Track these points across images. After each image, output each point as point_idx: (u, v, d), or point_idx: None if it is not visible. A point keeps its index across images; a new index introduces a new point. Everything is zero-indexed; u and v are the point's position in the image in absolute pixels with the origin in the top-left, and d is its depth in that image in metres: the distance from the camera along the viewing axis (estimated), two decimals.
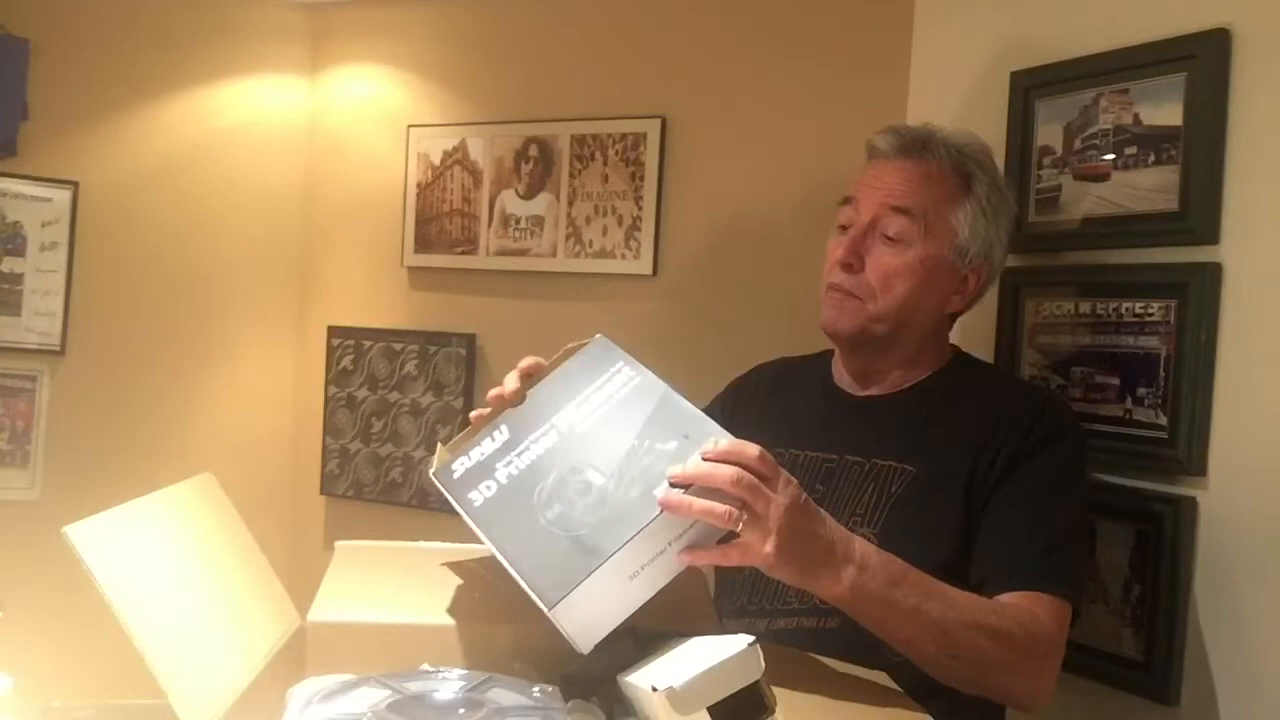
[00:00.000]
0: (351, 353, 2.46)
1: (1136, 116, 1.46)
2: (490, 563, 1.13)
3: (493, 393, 1.09)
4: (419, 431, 2.37)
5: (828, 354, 1.48)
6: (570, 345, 1.10)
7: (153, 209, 2.44)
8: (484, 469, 1.02)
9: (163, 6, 2.42)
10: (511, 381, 1.08)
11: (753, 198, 2.05)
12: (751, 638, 0.85)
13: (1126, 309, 1.46)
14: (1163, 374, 1.40)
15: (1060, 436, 1.28)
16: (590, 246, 2.20)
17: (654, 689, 0.81)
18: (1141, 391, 1.43)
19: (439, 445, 1.12)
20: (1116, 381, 1.47)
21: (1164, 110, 1.42)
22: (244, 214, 2.52)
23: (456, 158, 2.36)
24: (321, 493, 2.51)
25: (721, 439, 0.94)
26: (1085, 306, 1.52)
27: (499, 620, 0.99)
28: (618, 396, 1.02)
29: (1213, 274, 1.35)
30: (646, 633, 0.95)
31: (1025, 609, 1.14)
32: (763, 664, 0.84)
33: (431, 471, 1.07)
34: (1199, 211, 1.36)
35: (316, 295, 2.56)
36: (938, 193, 1.33)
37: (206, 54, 2.46)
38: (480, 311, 2.33)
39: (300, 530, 2.53)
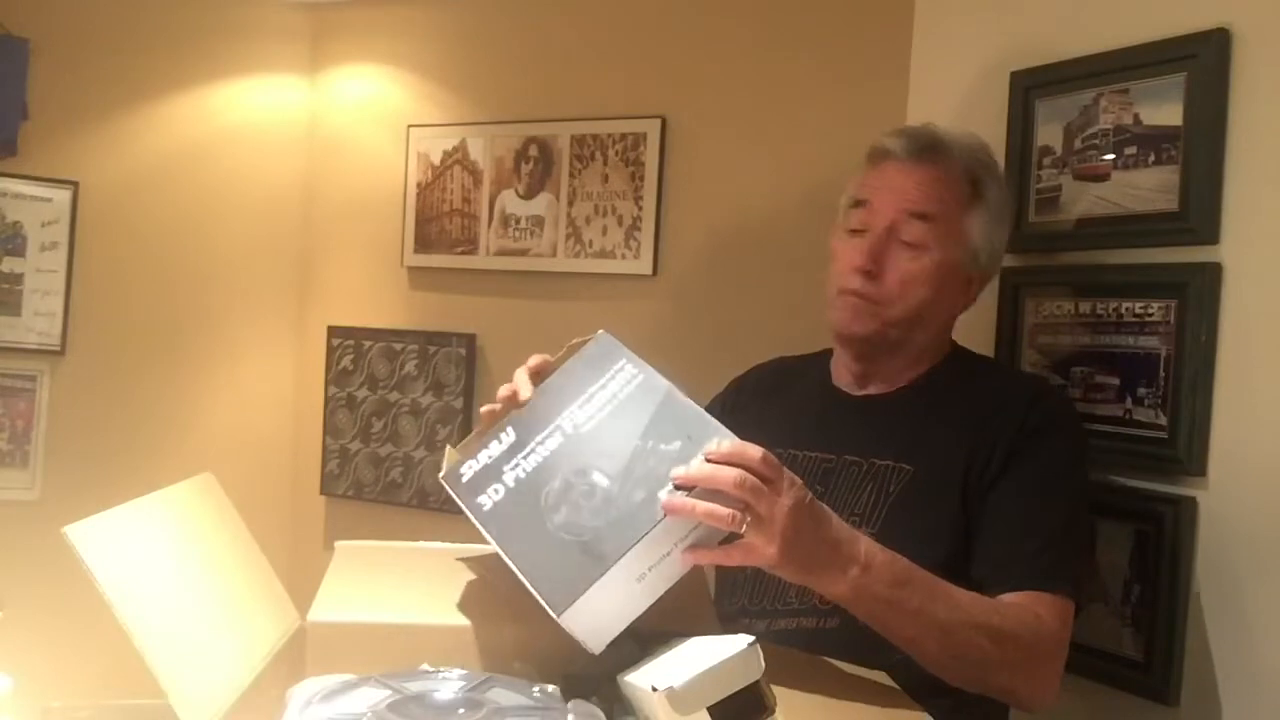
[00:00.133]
0: (351, 353, 2.46)
1: (1136, 116, 1.46)
2: (490, 562, 1.13)
3: (504, 391, 1.09)
4: (419, 431, 2.37)
5: (826, 354, 1.48)
6: (574, 341, 1.10)
7: (153, 209, 2.44)
8: (492, 472, 1.02)
9: (163, 6, 2.42)
10: (523, 383, 1.08)
11: (753, 197, 2.05)
12: (751, 638, 0.85)
13: (1126, 309, 1.46)
14: (1163, 374, 1.40)
15: (1056, 428, 1.28)
16: (590, 246, 2.20)
17: (654, 689, 0.81)
18: (1141, 391, 1.43)
19: (448, 447, 1.12)
20: (1116, 381, 1.47)
21: (1164, 110, 1.42)
22: (244, 214, 2.52)
23: (456, 158, 2.36)
24: (321, 493, 2.51)
25: (724, 440, 0.94)
26: (1085, 306, 1.52)
27: (500, 620, 0.99)
28: (621, 395, 1.02)
29: (1213, 274, 1.35)
30: (646, 633, 0.95)
31: (1028, 608, 1.14)
32: (763, 664, 0.84)
33: (441, 475, 1.07)
34: (1199, 211, 1.36)
35: (316, 295, 2.56)
36: (952, 198, 1.34)
37: (206, 54, 2.46)
38: (480, 311, 2.33)
39: (300, 530, 2.53)
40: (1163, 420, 1.40)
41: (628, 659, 0.93)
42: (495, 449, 1.04)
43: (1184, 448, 1.36)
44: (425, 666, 0.90)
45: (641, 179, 2.14)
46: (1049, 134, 1.59)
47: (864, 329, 1.33)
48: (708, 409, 1.02)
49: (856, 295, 1.33)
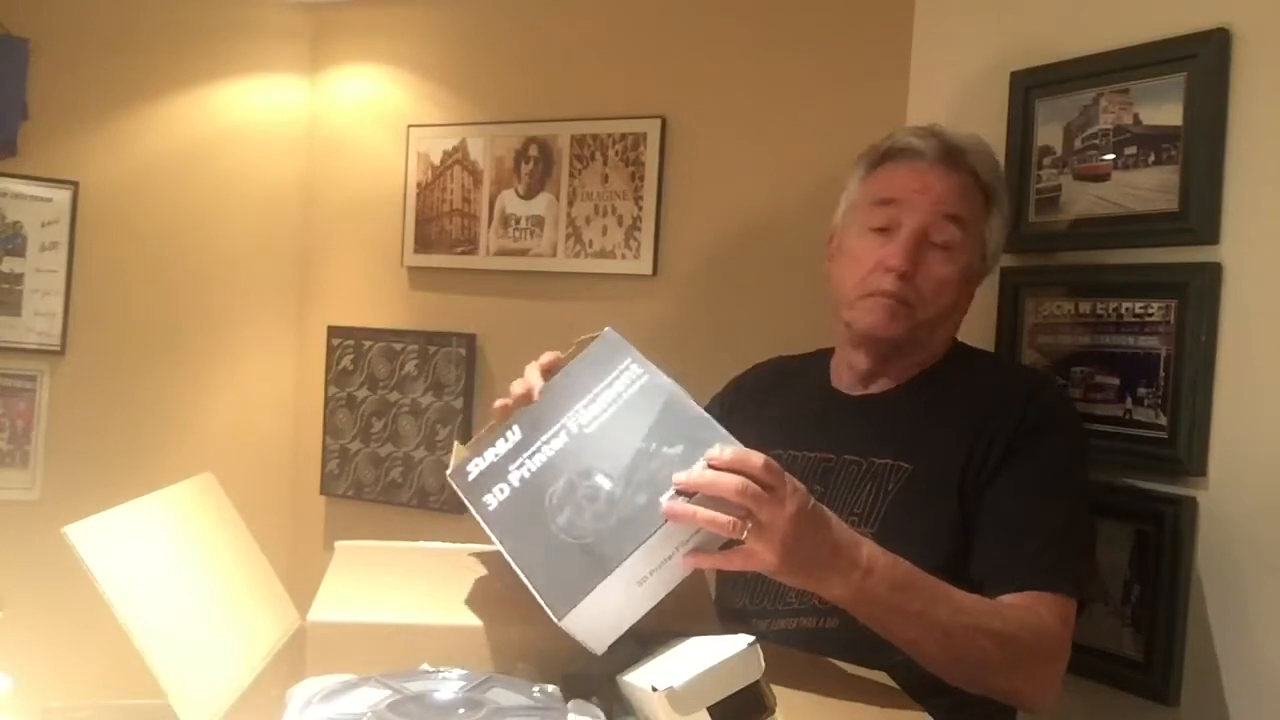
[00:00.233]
0: (351, 353, 2.46)
1: (1136, 116, 1.46)
2: (490, 562, 1.13)
3: (518, 389, 1.09)
4: (419, 431, 2.37)
5: (823, 354, 1.48)
6: (582, 338, 1.10)
7: (153, 209, 2.44)
8: (498, 471, 1.03)
9: (163, 6, 2.42)
10: (535, 379, 1.09)
11: (752, 198, 2.05)
12: (751, 638, 0.85)
13: (1126, 309, 1.46)
14: (1163, 374, 1.40)
15: (1054, 425, 1.27)
16: (590, 246, 2.20)
17: (654, 689, 0.81)
18: (1141, 391, 1.43)
19: (455, 444, 1.12)
20: (1116, 381, 1.47)
21: (1164, 110, 1.42)
22: (244, 214, 2.52)
23: (456, 158, 2.36)
24: (321, 493, 2.51)
25: (727, 446, 0.94)
26: (1085, 306, 1.52)
27: (500, 620, 0.99)
28: (626, 396, 1.02)
29: (1213, 274, 1.35)
30: (646, 633, 0.95)
31: (1030, 610, 1.14)
32: (763, 664, 0.84)
33: (448, 472, 1.08)
34: (1199, 211, 1.36)
35: (316, 295, 2.56)
36: (976, 203, 1.34)
37: (206, 54, 2.46)
38: (480, 311, 2.33)
39: (300, 530, 2.53)
40: (1163, 420, 1.40)
41: (628, 659, 0.93)
42: (502, 447, 1.05)
43: (1184, 448, 1.36)
44: (425, 666, 0.90)
45: (641, 179, 2.14)
46: (1049, 134, 1.59)
47: (896, 331, 1.32)
48: (707, 409, 1.02)
49: (892, 297, 1.30)
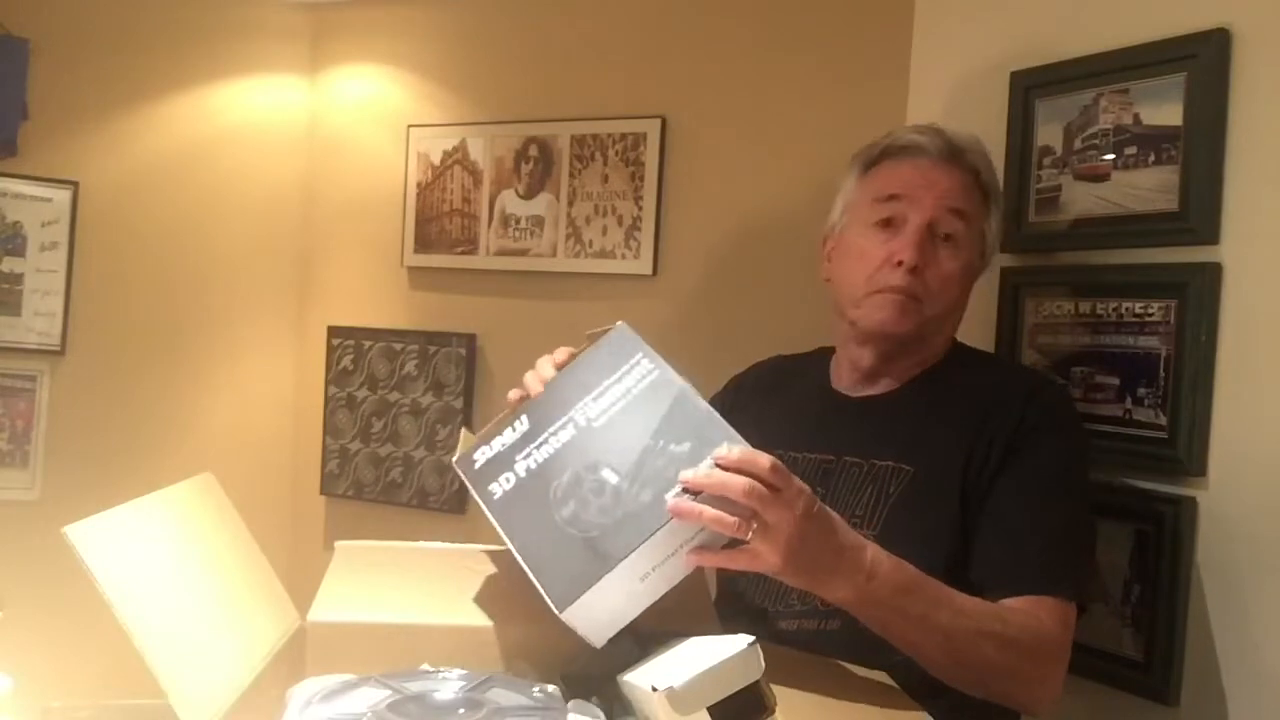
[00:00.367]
0: (351, 353, 2.46)
1: (1136, 116, 1.46)
2: (490, 562, 1.13)
3: (534, 387, 1.09)
4: (419, 431, 2.37)
5: (822, 353, 1.48)
6: (593, 331, 1.10)
7: (153, 209, 2.44)
8: (503, 460, 1.03)
9: (163, 6, 2.42)
10: (548, 372, 1.09)
11: (753, 197, 2.05)
12: (751, 638, 0.85)
13: (1126, 309, 1.46)
14: (1163, 374, 1.40)
15: (1055, 425, 1.27)
16: (590, 246, 2.20)
17: (654, 689, 0.81)
18: (1141, 391, 1.43)
19: (463, 430, 1.13)
20: (1116, 381, 1.47)
21: (1164, 110, 1.42)
22: (244, 214, 2.52)
23: (456, 158, 2.36)
24: (321, 493, 2.51)
25: (735, 446, 0.94)
26: (1085, 306, 1.52)
27: (499, 620, 0.99)
28: (635, 391, 1.02)
29: (1213, 274, 1.35)
30: (646, 633, 0.95)
31: (1031, 613, 1.14)
32: (763, 664, 0.84)
33: (454, 459, 1.08)
34: (1199, 211, 1.36)
35: (316, 295, 2.56)
36: (976, 199, 1.35)
37: (206, 54, 2.46)
38: (480, 311, 2.33)
39: (300, 530, 2.53)
40: (1163, 420, 1.40)
41: (628, 659, 0.93)
42: (509, 436, 1.05)
43: (1184, 448, 1.36)
44: (425, 666, 0.90)
45: (641, 179, 2.14)
46: (1049, 134, 1.59)
47: (906, 327, 1.31)
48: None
49: (901, 293, 1.30)
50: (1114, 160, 1.49)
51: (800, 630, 1.25)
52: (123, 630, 0.89)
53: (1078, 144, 1.54)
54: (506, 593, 1.02)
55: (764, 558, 0.95)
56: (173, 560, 1.07)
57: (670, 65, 2.14)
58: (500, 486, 1.01)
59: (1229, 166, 1.35)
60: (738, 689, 0.83)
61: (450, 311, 2.37)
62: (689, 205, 2.12)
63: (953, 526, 1.24)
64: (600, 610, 0.91)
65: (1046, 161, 1.59)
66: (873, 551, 1.03)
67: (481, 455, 1.05)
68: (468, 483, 1.04)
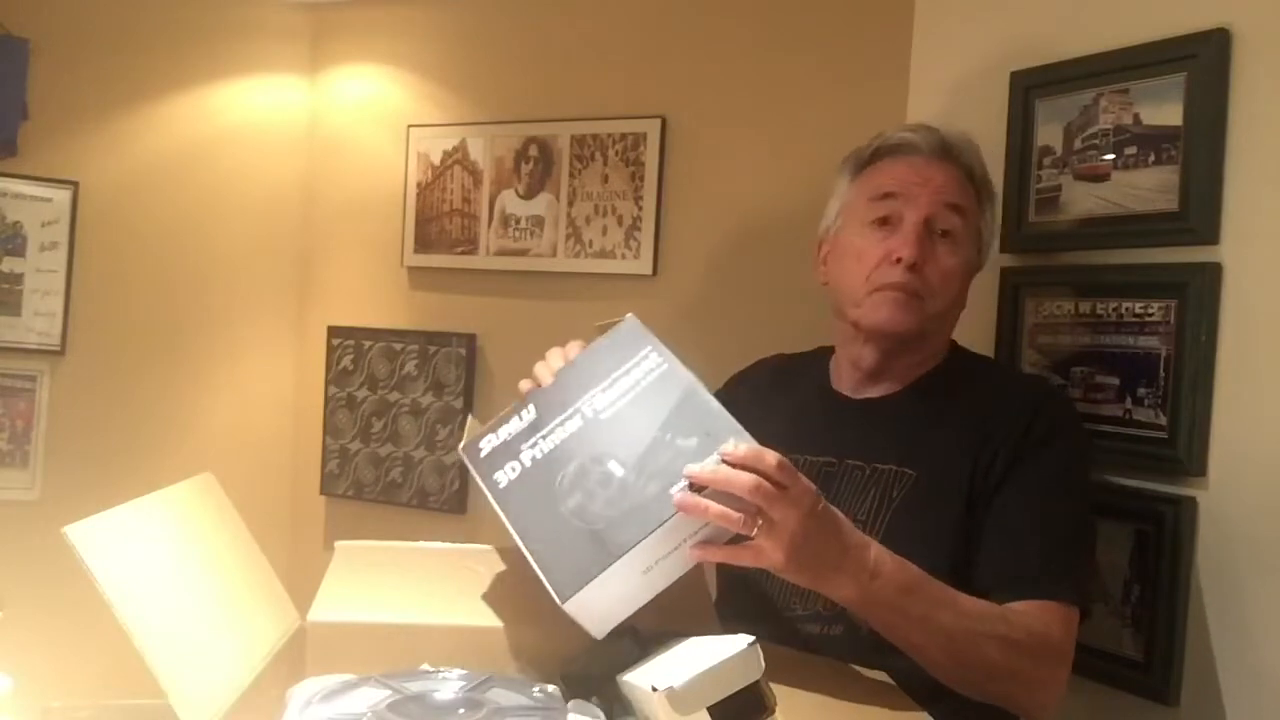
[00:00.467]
0: (351, 353, 2.46)
1: (1136, 116, 1.46)
2: (490, 562, 1.13)
3: (545, 379, 1.09)
4: (419, 431, 2.37)
5: (822, 353, 1.48)
6: (602, 323, 1.10)
7: (153, 209, 2.44)
8: (510, 449, 1.03)
9: (163, 6, 2.42)
10: (558, 364, 1.09)
11: (753, 197, 2.05)
12: (751, 638, 0.85)
13: (1126, 309, 1.46)
14: (1163, 374, 1.40)
15: (1060, 434, 1.27)
16: (590, 246, 2.20)
17: (654, 689, 0.81)
18: (1141, 391, 1.43)
19: (470, 418, 1.13)
20: (1116, 381, 1.47)
21: (1164, 110, 1.42)
22: (244, 214, 2.52)
23: (456, 158, 2.36)
24: (321, 493, 2.51)
25: (742, 442, 0.94)
26: (1085, 306, 1.52)
27: (500, 620, 0.99)
28: (643, 383, 1.02)
29: (1213, 274, 1.35)
30: (646, 633, 0.95)
31: (1034, 617, 1.14)
32: (763, 664, 0.84)
33: (460, 446, 1.08)
34: (1199, 211, 1.36)
35: (316, 295, 2.56)
36: (971, 195, 1.35)
37: (206, 54, 2.46)
38: (480, 311, 2.33)
39: (300, 530, 2.53)
40: (1163, 420, 1.40)
41: (628, 659, 0.93)
42: (515, 425, 1.05)
43: (1184, 448, 1.36)
44: (425, 666, 0.90)
45: (641, 179, 2.14)
46: (1049, 134, 1.59)
47: (908, 324, 1.30)
48: None
49: (902, 290, 1.29)
50: (1114, 160, 1.49)
51: (802, 634, 1.25)
52: (123, 630, 0.89)
53: (1078, 144, 1.54)
54: (506, 593, 1.02)
55: (768, 554, 0.95)
56: (173, 560, 1.07)
57: (670, 65, 2.14)
58: (506, 475, 1.01)
59: (1229, 166, 1.35)
60: (738, 689, 0.83)
61: (450, 311, 2.37)
62: (689, 205, 2.12)
63: (956, 531, 1.23)
64: (602, 602, 0.91)
65: (1046, 161, 1.59)
66: (876, 551, 1.03)
67: (488, 443, 1.05)
68: (473, 470, 1.04)
